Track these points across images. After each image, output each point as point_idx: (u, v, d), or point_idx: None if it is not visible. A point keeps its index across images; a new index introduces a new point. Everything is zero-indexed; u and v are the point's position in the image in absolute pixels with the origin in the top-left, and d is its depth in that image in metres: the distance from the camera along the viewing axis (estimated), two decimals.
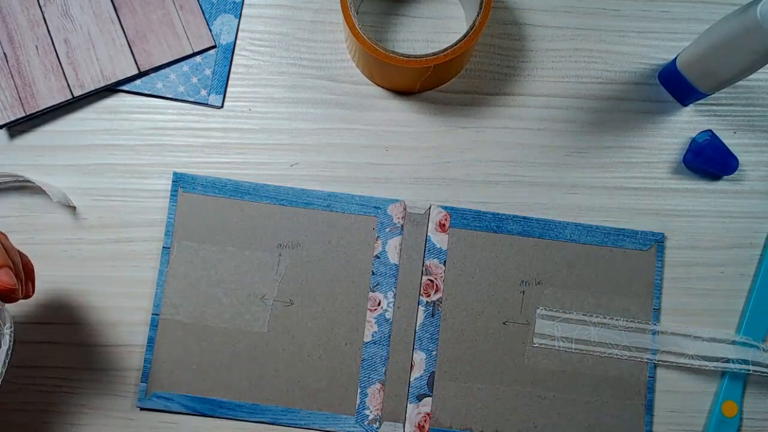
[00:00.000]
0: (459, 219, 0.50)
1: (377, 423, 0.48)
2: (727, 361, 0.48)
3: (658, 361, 0.49)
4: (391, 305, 0.49)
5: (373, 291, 0.50)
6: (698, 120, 0.52)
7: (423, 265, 0.50)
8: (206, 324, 0.49)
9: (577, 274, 0.50)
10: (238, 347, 0.49)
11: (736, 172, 0.51)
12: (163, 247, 0.50)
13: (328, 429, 0.48)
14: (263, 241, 0.50)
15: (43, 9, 0.51)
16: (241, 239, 0.50)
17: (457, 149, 0.52)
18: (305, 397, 0.49)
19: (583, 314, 0.49)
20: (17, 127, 0.51)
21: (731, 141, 0.51)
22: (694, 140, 0.51)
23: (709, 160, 0.50)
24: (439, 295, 0.50)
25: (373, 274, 0.50)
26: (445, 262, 0.50)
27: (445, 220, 0.50)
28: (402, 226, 0.50)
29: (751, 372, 0.48)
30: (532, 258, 0.50)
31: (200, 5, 0.52)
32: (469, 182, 0.51)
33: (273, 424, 0.48)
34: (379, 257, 0.50)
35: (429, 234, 0.50)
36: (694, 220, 0.51)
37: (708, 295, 0.50)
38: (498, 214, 0.50)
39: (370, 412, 0.48)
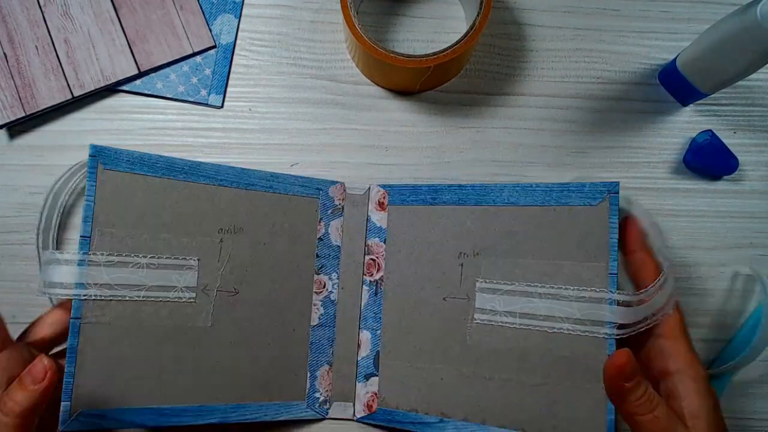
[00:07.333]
0: (396, 196, 0.49)
1: (327, 404, 0.48)
2: None
3: (618, 335, 0.40)
4: (335, 287, 0.49)
5: (318, 274, 0.49)
6: (698, 120, 0.52)
7: (365, 245, 0.49)
8: (141, 324, 0.43)
9: (518, 240, 0.44)
10: (179, 346, 0.44)
11: (736, 172, 0.51)
12: (81, 236, 0.41)
13: (280, 418, 0.46)
14: (202, 227, 0.45)
15: (43, 9, 0.51)
16: (177, 225, 0.44)
17: (457, 149, 0.52)
18: (255, 389, 0.46)
19: (527, 284, 0.43)
20: (17, 127, 0.51)
21: (731, 141, 0.51)
22: (694, 140, 0.51)
23: (709, 160, 0.50)
24: (381, 273, 0.48)
25: (318, 256, 0.49)
26: (385, 240, 0.48)
27: (384, 198, 0.49)
28: (343, 207, 0.49)
29: None
30: (469, 228, 0.46)
31: (200, 5, 0.52)
32: (469, 182, 0.51)
33: (222, 423, 0.44)
34: (322, 239, 0.49)
35: (369, 213, 0.49)
36: (694, 220, 0.51)
37: (707, 296, 0.50)
38: (434, 185, 0.47)
39: (320, 394, 0.48)
